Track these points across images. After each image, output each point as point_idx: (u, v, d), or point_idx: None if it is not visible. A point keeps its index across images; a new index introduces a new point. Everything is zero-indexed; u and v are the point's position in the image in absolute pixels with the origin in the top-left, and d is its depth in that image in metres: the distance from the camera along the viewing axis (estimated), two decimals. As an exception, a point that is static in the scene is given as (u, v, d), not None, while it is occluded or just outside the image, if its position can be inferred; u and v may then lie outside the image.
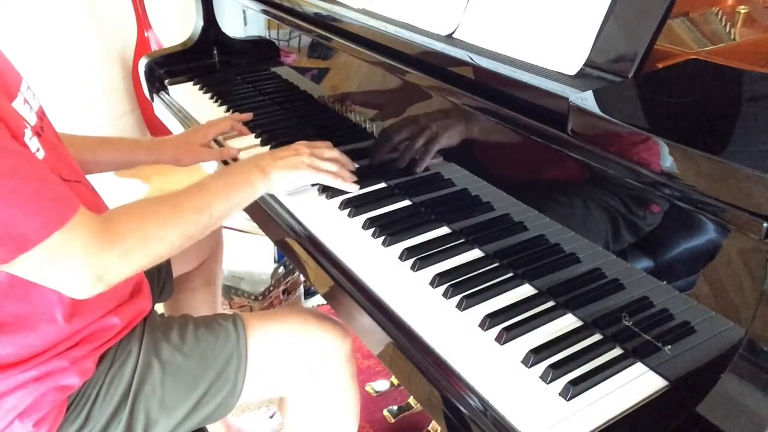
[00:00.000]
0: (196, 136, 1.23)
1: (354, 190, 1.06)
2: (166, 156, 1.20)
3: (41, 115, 0.87)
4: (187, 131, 1.29)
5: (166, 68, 1.63)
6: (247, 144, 1.28)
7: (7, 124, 0.73)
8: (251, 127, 1.32)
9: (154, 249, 0.82)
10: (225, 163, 1.25)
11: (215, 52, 1.69)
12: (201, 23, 1.65)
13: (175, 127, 1.50)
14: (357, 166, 1.11)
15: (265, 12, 1.40)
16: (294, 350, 0.99)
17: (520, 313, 0.81)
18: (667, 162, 0.63)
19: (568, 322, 0.81)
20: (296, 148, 1.04)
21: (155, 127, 2.94)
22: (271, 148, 1.25)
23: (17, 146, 0.72)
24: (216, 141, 1.29)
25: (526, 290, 0.86)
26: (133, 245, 0.79)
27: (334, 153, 1.07)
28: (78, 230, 0.73)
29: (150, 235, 0.81)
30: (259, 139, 1.29)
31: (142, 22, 2.83)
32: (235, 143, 1.28)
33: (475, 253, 0.93)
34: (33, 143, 0.78)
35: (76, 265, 0.75)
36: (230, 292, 1.83)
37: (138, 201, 0.86)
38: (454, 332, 0.79)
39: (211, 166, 1.32)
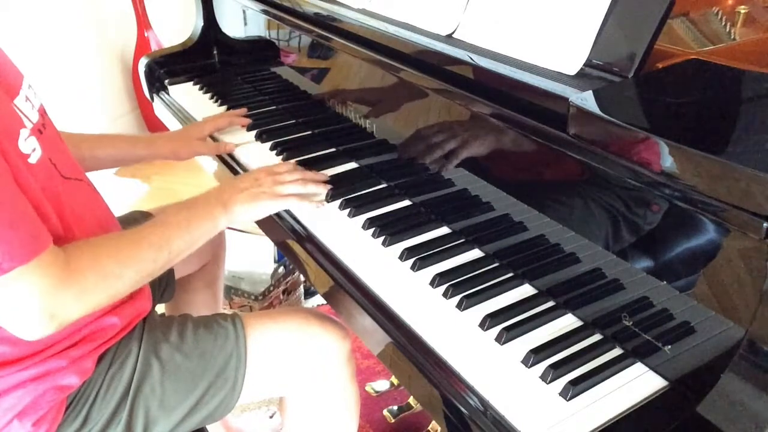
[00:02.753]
0: (194, 131, 1.27)
1: (321, 206, 1.04)
2: (163, 150, 1.22)
3: (43, 112, 0.87)
4: (185, 127, 1.33)
5: (166, 68, 1.63)
6: (244, 140, 1.29)
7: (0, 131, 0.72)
8: (251, 126, 1.33)
9: (111, 287, 0.80)
10: (221, 158, 1.27)
11: (215, 52, 1.69)
12: (201, 23, 1.65)
13: (175, 127, 1.50)
14: (327, 177, 1.09)
15: (265, 12, 1.40)
16: (293, 350, 0.99)
17: (520, 313, 0.81)
18: (667, 162, 0.63)
19: (568, 322, 0.80)
20: (256, 176, 1.02)
21: (155, 127, 2.94)
22: (270, 149, 1.25)
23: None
24: (212, 137, 1.31)
25: (526, 290, 0.86)
26: (90, 284, 0.77)
27: (296, 174, 1.04)
28: (40, 270, 0.72)
29: (108, 273, 0.79)
30: (255, 137, 1.29)
31: (142, 22, 2.83)
32: (231, 138, 1.30)
33: (475, 253, 0.93)
34: (29, 143, 0.78)
35: (31, 304, 0.72)
36: (230, 292, 1.83)
37: (97, 238, 0.84)
38: (454, 332, 0.79)
39: (210, 165, 1.33)
